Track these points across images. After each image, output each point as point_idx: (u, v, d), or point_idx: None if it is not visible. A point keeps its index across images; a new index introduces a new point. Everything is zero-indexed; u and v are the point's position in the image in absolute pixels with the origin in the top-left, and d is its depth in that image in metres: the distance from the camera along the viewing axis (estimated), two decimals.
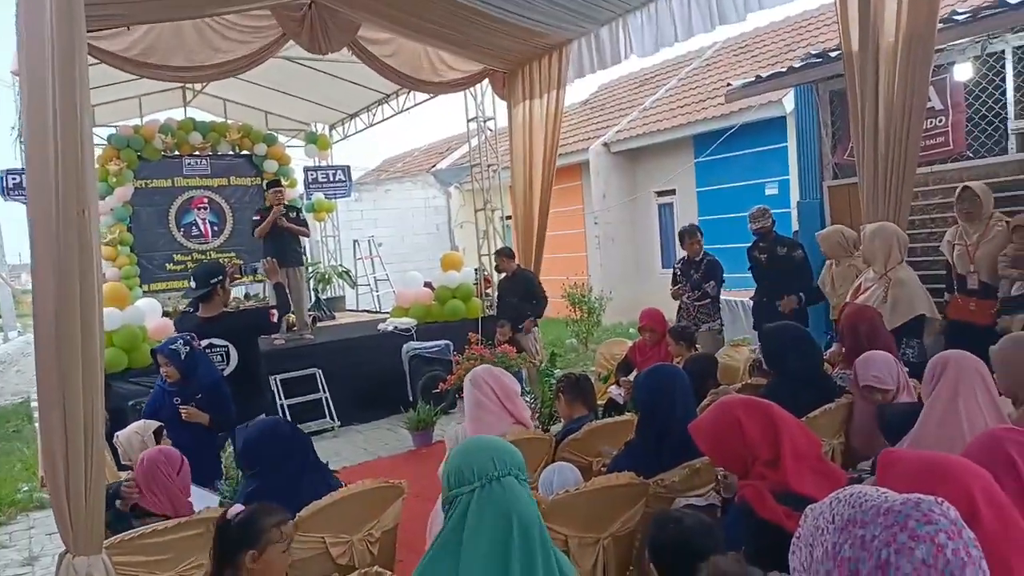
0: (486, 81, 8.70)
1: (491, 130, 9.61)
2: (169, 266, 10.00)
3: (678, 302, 6.69)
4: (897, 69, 4.39)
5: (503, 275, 7.93)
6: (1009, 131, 5.31)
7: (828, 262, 5.53)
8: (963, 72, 5.40)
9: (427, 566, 1.47)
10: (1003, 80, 5.29)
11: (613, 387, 5.21)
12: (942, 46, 5.01)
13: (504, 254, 7.81)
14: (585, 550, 2.72)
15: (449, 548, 1.44)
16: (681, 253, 6.82)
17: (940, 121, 5.57)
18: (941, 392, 2.52)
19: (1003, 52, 5.26)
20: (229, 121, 11.00)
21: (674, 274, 6.83)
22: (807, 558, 1.17)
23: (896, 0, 4.33)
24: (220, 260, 8.41)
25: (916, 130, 4.46)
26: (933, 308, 4.50)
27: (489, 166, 9.53)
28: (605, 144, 13.28)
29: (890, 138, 4.48)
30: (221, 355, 4.38)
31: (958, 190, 4.63)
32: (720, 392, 3.96)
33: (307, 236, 8.74)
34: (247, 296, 10.47)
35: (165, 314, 7.39)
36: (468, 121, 9.61)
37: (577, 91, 22.25)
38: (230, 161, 10.54)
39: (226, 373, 4.36)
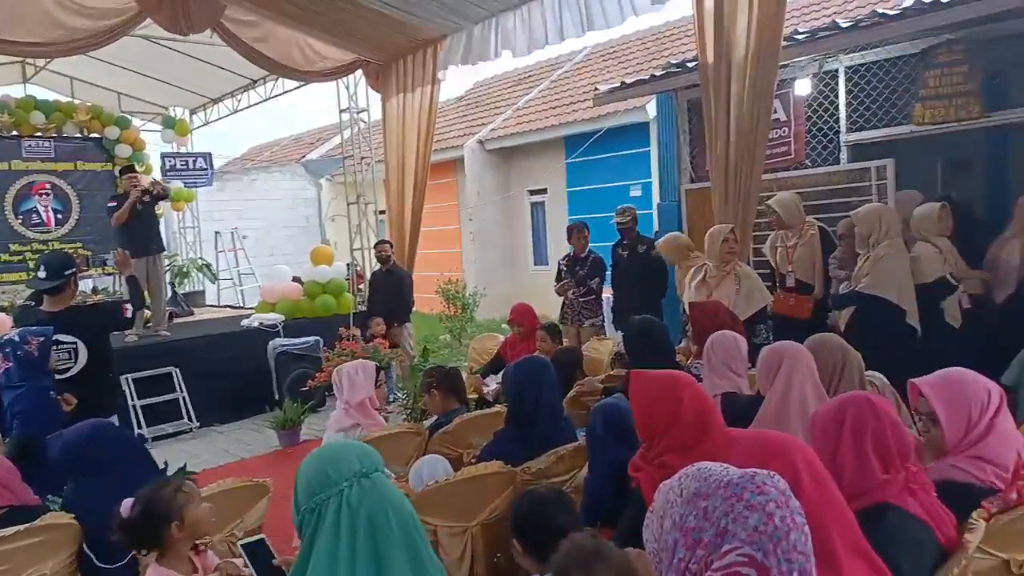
0: (359, 72, 8.56)
1: (364, 122, 9.45)
2: (4, 256, 9.09)
3: (562, 298, 6.71)
4: (747, 81, 4.75)
5: (378, 268, 7.86)
6: (842, 143, 5.86)
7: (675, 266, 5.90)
8: (803, 87, 5.91)
9: None
10: (837, 96, 5.83)
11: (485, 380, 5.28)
12: (785, 62, 5.45)
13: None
14: (454, 539, 2.78)
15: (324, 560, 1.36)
16: (558, 250, 6.91)
17: (784, 132, 6.05)
18: (778, 384, 2.76)
19: (837, 71, 5.80)
20: (76, 101, 10.15)
21: (559, 270, 6.80)
22: (658, 529, 1.27)
23: (747, 17, 4.68)
24: (67, 251, 7.78)
25: (763, 138, 4.86)
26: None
27: (362, 159, 9.37)
28: (480, 141, 13.39)
29: (740, 145, 4.85)
30: (68, 352, 4.05)
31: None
32: (585, 384, 4.14)
33: (166, 198, 8.52)
34: (95, 290, 9.74)
35: (0, 308, 6.74)
36: (340, 112, 9.39)
37: (452, 87, 22.30)
38: (78, 144, 9.73)
39: (73, 372, 4.05)
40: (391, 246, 7.84)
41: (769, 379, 2.76)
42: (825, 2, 11.49)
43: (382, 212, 9.63)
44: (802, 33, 5.59)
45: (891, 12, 5.17)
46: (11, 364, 3.70)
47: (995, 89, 5.04)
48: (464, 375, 5.91)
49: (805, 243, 5.18)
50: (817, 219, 5.37)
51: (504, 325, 6.48)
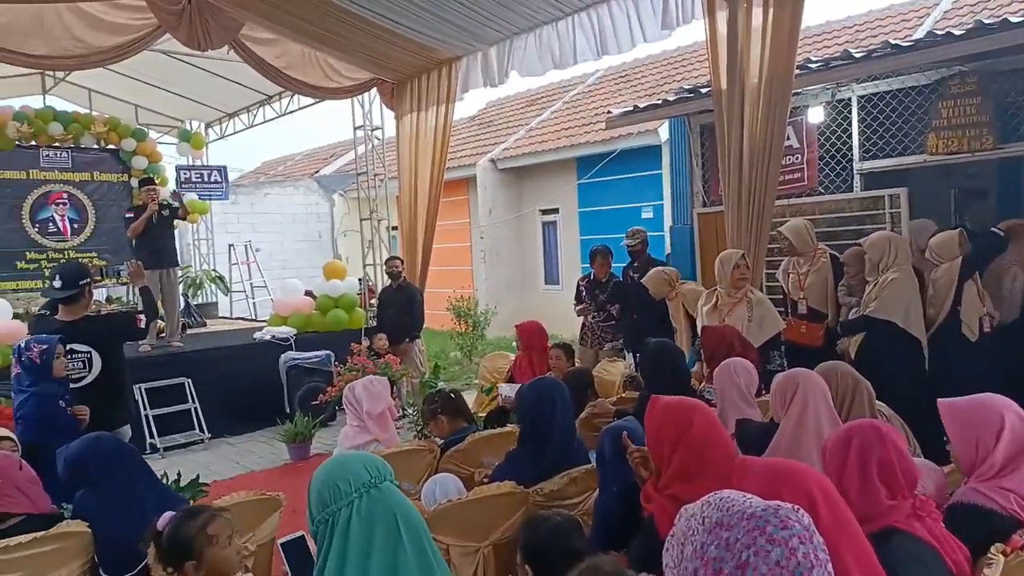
0: (374, 90, 8.67)
1: (378, 139, 9.55)
2: (20, 264, 9.20)
3: (582, 319, 6.72)
4: (760, 107, 4.78)
5: (388, 284, 7.92)
6: (855, 171, 5.88)
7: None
8: (816, 115, 5.95)
9: None
10: (850, 124, 5.87)
11: (503, 385, 5.26)
12: (798, 90, 5.50)
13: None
14: (466, 559, 2.79)
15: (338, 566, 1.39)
16: (570, 269, 6.89)
17: (797, 158, 6.09)
18: (794, 409, 2.77)
19: (850, 99, 5.83)
20: (94, 113, 10.31)
21: (578, 291, 6.77)
22: (678, 555, 1.28)
23: (760, 45, 4.73)
24: (82, 261, 7.86)
25: (776, 164, 4.87)
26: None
27: (376, 175, 9.45)
28: (492, 160, 13.49)
29: (753, 170, 4.87)
30: (83, 361, 4.11)
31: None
32: (598, 405, 4.14)
33: (185, 218, 8.86)
34: (109, 299, 9.83)
35: (15, 315, 6.81)
36: (355, 129, 9.50)
37: (465, 106, 22.44)
38: (94, 155, 9.87)
39: (87, 381, 4.10)
40: (402, 262, 7.90)
41: (784, 405, 2.77)
42: (837, 32, 11.58)
43: (394, 228, 9.70)
44: (815, 62, 5.64)
45: (904, 43, 5.22)
46: (19, 370, 3.77)
47: (1008, 121, 5.07)
48: (475, 393, 5.93)
49: (817, 270, 5.15)
50: (831, 246, 5.37)
51: (515, 343, 6.50)
